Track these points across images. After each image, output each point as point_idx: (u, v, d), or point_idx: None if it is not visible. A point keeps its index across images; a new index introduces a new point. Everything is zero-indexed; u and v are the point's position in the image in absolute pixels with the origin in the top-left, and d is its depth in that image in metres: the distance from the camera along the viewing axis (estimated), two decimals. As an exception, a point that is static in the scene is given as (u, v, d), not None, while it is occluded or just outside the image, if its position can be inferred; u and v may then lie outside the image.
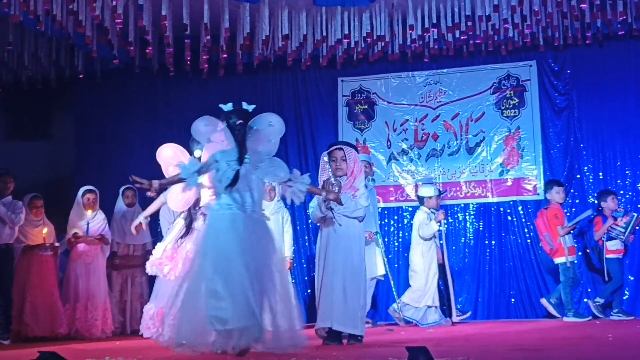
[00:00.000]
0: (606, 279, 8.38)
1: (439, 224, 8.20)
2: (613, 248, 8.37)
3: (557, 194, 8.50)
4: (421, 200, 8.41)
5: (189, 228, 6.37)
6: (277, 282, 5.06)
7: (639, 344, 5.50)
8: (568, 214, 8.71)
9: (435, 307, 8.12)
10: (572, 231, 8.42)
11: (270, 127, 5.36)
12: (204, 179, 5.39)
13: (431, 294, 8.09)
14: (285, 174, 5.36)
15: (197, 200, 6.20)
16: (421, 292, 8.10)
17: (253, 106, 5.45)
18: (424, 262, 8.20)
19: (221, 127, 5.35)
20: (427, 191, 8.39)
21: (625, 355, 4.65)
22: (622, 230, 8.27)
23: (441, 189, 8.86)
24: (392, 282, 8.45)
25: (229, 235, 5.01)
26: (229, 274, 4.87)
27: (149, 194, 5.59)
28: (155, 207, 6.17)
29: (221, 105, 5.48)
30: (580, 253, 8.84)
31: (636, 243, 8.60)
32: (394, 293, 8.38)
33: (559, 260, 8.33)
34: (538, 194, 9.16)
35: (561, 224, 8.36)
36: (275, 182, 5.58)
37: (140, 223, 7.02)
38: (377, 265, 8.21)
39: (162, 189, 5.75)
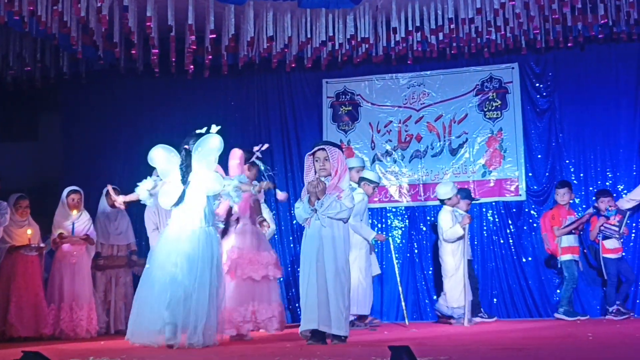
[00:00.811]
0: (605, 277, 8.42)
1: (463, 228, 8.19)
2: (610, 247, 8.43)
3: (557, 195, 8.65)
4: (442, 200, 8.47)
5: (224, 232, 6.82)
6: (207, 289, 5.79)
7: (619, 342, 5.58)
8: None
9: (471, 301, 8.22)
10: (573, 232, 8.48)
11: (209, 145, 5.99)
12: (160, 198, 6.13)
13: (465, 293, 8.16)
14: (220, 186, 6.01)
15: (230, 209, 6.81)
16: (456, 292, 8.16)
17: (218, 127, 6.14)
18: (454, 261, 8.24)
19: (173, 154, 6.10)
20: (444, 193, 8.40)
21: (603, 353, 4.73)
22: (616, 229, 8.34)
23: (473, 195, 8.93)
24: (399, 284, 8.55)
25: (172, 248, 5.85)
26: (158, 283, 5.79)
27: (116, 204, 6.72)
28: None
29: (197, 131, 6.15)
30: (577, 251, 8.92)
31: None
32: (401, 295, 8.51)
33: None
34: (520, 195, 9.26)
35: (558, 225, 8.48)
36: (211, 194, 6.08)
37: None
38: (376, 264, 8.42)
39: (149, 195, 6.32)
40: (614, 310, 8.27)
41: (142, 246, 9.21)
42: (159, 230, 8.52)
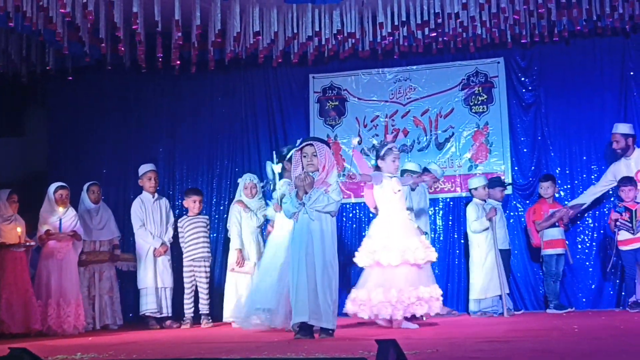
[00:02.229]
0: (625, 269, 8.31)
1: (489, 220, 8.30)
2: (624, 238, 8.19)
3: (541, 189, 8.70)
4: (471, 192, 8.63)
5: None
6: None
7: (603, 334, 5.63)
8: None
9: (507, 294, 8.33)
10: (557, 225, 8.48)
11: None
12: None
13: (495, 284, 8.21)
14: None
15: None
16: (482, 284, 8.24)
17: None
18: (480, 252, 8.36)
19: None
20: (474, 182, 8.61)
21: (588, 345, 4.77)
22: (629, 225, 8.17)
23: (505, 182, 9.02)
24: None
25: (269, 249, 7.51)
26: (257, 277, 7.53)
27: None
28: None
29: None
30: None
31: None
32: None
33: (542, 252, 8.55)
34: (506, 189, 9.29)
35: (539, 219, 8.53)
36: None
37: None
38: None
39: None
40: (630, 302, 8.08)
41: (129, 242, 9.23)
42: (146, 227, 8.53)
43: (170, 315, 8.52)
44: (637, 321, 6.78)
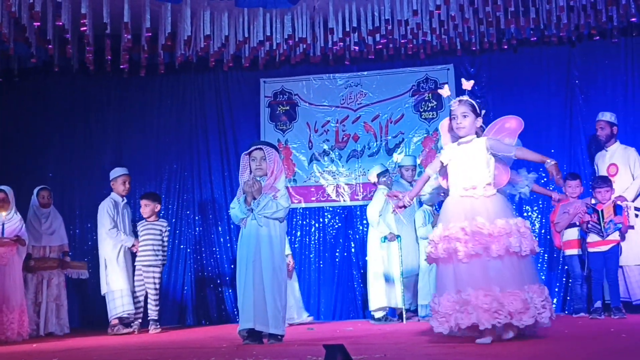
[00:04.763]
0: None
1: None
2: (591, 240, 7.82)
3: (569, 188, 8.18)
4: (420, 198, 8.60)
5: None
6: None
7: (546, 339, 5.69)
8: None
9: None
10: (577, 225, 7.99)
11: None
12: None
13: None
14: None
15: None
16: (430, 288, 8.22)
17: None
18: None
19: None
20: (425, 188, 8.51)
21: (529, 347, 4.83)
22: (598, 227, 7.67)
23: None
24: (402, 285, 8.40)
25: None
26: None
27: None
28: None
29: None
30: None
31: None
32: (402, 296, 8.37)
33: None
34: (454, 195, 9.38)
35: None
36: None
37: None
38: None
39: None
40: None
41: (74, 248, 9.07)
42: (118, 227, 8.32)
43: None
44: (576, 324, 6.89)
